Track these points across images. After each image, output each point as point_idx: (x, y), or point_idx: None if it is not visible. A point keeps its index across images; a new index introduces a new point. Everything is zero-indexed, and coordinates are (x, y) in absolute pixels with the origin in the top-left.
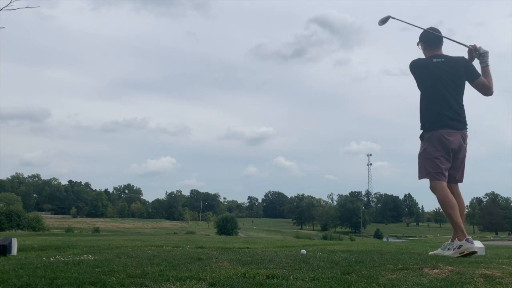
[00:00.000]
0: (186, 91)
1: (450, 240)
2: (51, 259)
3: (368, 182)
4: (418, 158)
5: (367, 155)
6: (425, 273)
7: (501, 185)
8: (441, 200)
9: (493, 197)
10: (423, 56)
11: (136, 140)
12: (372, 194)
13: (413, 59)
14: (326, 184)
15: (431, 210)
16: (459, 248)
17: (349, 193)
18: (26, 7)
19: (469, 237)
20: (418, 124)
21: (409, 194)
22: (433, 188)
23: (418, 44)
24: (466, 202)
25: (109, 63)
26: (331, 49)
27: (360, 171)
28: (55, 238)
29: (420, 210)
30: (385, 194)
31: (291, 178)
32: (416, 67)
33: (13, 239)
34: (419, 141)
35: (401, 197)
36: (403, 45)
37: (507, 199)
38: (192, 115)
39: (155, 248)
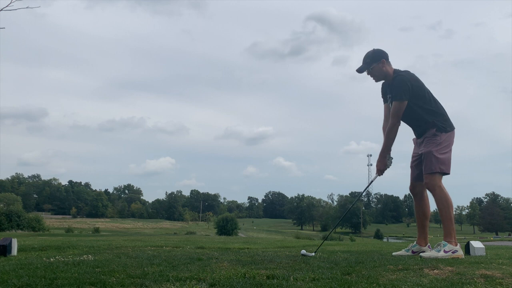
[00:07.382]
0: (182, 91)
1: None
2: (51, 259)
3: (368, 183)
4: (441, 152)
5: (367, 156)
6: (425, 274)
7: (501, 185)
8: (447, 199)
9: (493, 198)
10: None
11: (133, 139)
12: (372, 194)
13: (405, 74)
14: (326, 184)
15: (431, 210)
16: (454, 253)
17: (349, 194)
18: (27, 7)
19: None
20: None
21: (409, 194)
22: (440, 183)
23: (378, 63)
24: (467, 202)
25: (105, 62)
26: (331, 47)
27: (360, 171)
28: (55, 239)
29: None
30: (385, 195)
31: (291, 178)
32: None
33: (13, 239)
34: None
35: (401, 197)
36: (402, 45)
37: (507, 200)
38: (189, 115)
39: (155, 248)
